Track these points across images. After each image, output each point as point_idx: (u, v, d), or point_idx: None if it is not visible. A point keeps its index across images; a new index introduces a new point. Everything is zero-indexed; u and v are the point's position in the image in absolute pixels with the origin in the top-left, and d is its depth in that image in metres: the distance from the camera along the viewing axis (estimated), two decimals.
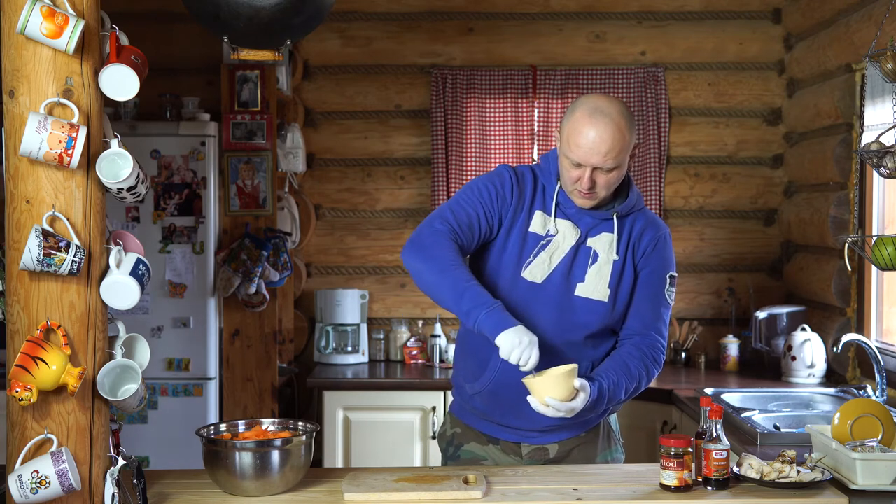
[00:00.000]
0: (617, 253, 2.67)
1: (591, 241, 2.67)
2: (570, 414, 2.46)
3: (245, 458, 2.37)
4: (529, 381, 2.45)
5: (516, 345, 2.40)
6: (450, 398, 2.95)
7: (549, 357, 2.60)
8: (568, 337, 2.64)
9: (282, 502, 2.39)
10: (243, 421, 2.62)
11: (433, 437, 4.43)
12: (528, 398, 2.46)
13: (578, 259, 2.65)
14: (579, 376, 2.49)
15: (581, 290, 2.65)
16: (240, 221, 4.59)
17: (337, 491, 2.45)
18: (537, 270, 2.64)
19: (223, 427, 2.60)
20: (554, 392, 2.42)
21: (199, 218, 4.53)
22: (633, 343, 2.67)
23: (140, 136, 4.48)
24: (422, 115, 5.10)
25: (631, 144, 2.59)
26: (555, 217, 2.66)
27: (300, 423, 2.57)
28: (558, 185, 2.67)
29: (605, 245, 2.67)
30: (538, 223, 2.66)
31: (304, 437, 2.45)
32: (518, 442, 2.76)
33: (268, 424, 2.59)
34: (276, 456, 2.38)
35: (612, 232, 2.67)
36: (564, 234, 2.66)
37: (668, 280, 2.71)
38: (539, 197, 2.69)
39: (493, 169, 2.78)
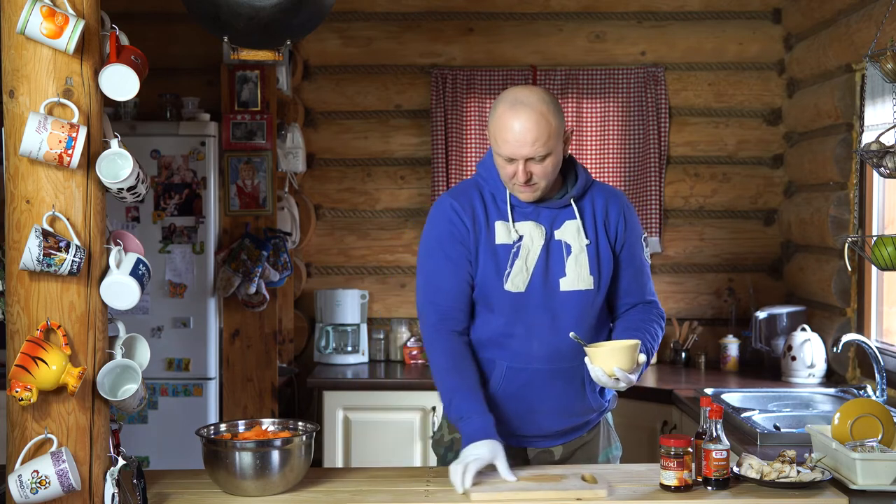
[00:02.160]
0: (587, 237, 2.65)
1: (558, 234, 2.65)
2: (629, 385, 2.49)
3: (245, 458, 2.37)
4: (594, 349, 2.47)
5: (455, 472, 2.42)
6: None
7: (556, 360, 2.61)
8: (565, 331, 2.62)
9: (281, 502, 2.39)
10: (243, 421, 2.63)
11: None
12: (590, 367, 2.47)
13: (553, 255, 2.63)
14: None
15: (565, 285, 2.63)
16: (240, 221, 4.59)
17: (337, 491, 2.45)
18: (518, 279, 2.62)
19: (223, 427, 2.60)
20: (621, 360, 2.46)
21: (199, 218, 4.53)
22: (639, 310, 2.72)
23: (140, 136, 4.48)
24: (422, 115, 5.10)
25: (559, 130, 2.56)
26: (513, 222, 2.64)
27: (300, 423, 2.57)
28: (508, 189, 2.65)
29: (573, 233, 2.64)
30: (502, 233, 2.64)
31: (303, 437, 2.45)
32: (523, 447, 2.76)
33: (268, 424, 2.59)
34: (275, 456, 2.38)
35: (575, 218, 2.65)
36: (531, 236, 2.63)
37: (643, 243, 2.75)
38: (493, 208, 2.66)
39: (432, 213, 2.73)
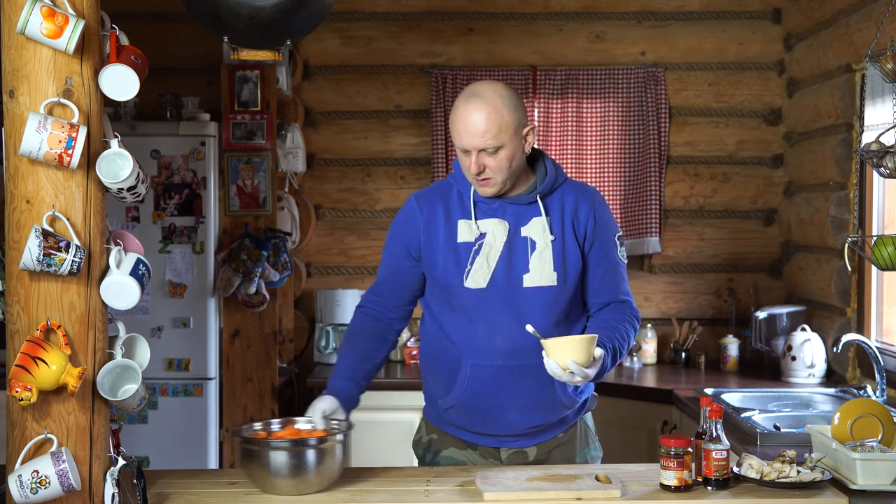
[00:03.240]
0: (552, 233, 2.65)
1: (524, 231, 2.65)
2: (585, 380, 2.46)
3: (280, 458, 2.37)
4: (549, 342, 2.44)
5: (311, 408, 2.60)
6: None
7: (521, 355, 2.61)
8: (526, 327, 2.61)
9: (280, 503, 2.39)
10: (277, 420, 2.61)
11: None
12: (546, 360, 2.44)
13: (516, 252, 2.63)
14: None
15: (529, 281, 2.63)
16: (240, 221, 4.59)
17: (337, 491, 2.45)
18: (478, 276, 2.63)
19: (257, 426, 2.59)
20: (576, 354, 2.42)
21: (199, 218, 4.53)
22: (612, 308, 2.69)
23: (140, 136, 4.48)
24: (422, 115, 5.10)
25: (514, 123, 2.56)
26: (476, 219, 2.65)
27: (334, 422, 2.56)
28: (473, 187, 2.67)
29: (538, 230, 2.65)
30: (465, 231, 2.66)
31: (339, 437, 2.45)
32: (497, 447, 2.75)
33: (302, 423, 2.58)
34: (311, 455, 2.38)
35: (541, 215, 2.65)
36: (494, 233, 2.64)
37: (617, 242, 2.72)
38: (455, 206, 2.69)
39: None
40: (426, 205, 2.71)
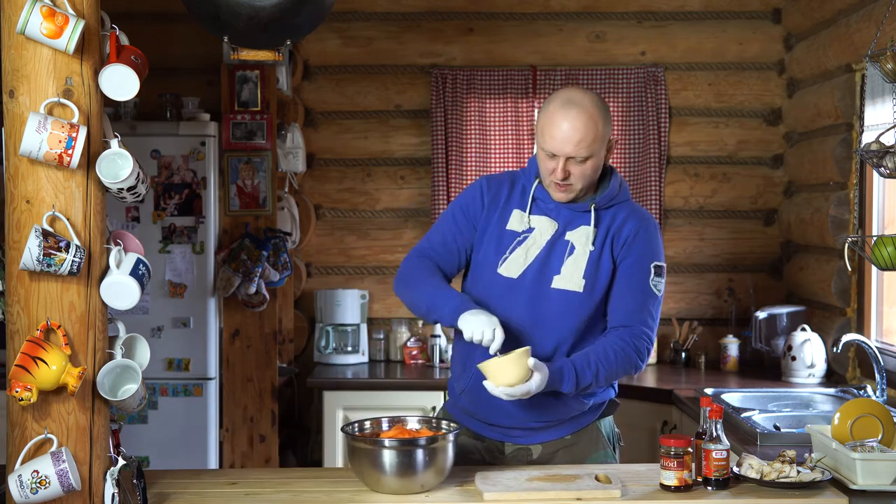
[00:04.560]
0: (593, 244, 2.68)
1: (568, 235, 2.69)
2: (526, 396, 2.48)
3: (390, 456, 2.37)
4: (483, 366, 2.48)
5: (476, 324, 2.49)
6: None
7: (537, 354, 2.59)
8: (546, 330, 2.63)
9: (280, 503, 2.39)
10: (386, 417, 2.61)
11: None
12: (485, 383, 2.48)
13: (555, 252, 2.67)
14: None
15: (557, 283, 2.66)
16: (240, 221, 4.59)
17: (337, 491, 2.45)
18: (513, 266, 2.67)
19: (367, 424, 2.58)
20: (507, 374, 2.44)
21: (199, 218, 4.53)
22: (618, 333, 2.67)
23: (140, 136, 4.48)
24: (422, 115, 5.10)
25: (605, 136, 2.62)
26: (529, 213, 2.70)
27: (444, 423, 2.56)
28: (536, 182, 2.72)
29: (582, 238, 2.68)
30: (516, 221, 2.71)
31: (449, 437, 2.44)
32: (502, 441, 2.75)
33: (412, 423, 2.58)
34: (420, 455, 2.38)
35: (590, 224, 2.68)
36: (541, 230, 2.69)
37: (653, 270, 2.70)
38: (517, 197, 2.74)
39: (468, 186, 2.87)
40: (494, 187, 2.76)
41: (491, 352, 2.48)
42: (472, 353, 2.66)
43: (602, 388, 2.71)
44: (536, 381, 2.47)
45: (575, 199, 2.69)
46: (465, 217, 2.75)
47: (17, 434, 2.18)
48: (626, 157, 5.00)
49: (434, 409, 4.45)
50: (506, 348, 2.51)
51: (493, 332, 2.48)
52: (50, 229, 2.13)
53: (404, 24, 5.09)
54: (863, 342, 3.50)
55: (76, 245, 2.13)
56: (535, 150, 2.75)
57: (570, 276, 2.65)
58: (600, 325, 2.72)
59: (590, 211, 2.69)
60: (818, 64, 4.49)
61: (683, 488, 2.41)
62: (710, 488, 2.43)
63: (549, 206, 2.70)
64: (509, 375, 2.44)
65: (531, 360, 2.46)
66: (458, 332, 2.72)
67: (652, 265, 2.70)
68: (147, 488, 2.32)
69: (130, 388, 2.24)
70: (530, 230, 2.69)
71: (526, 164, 2.81)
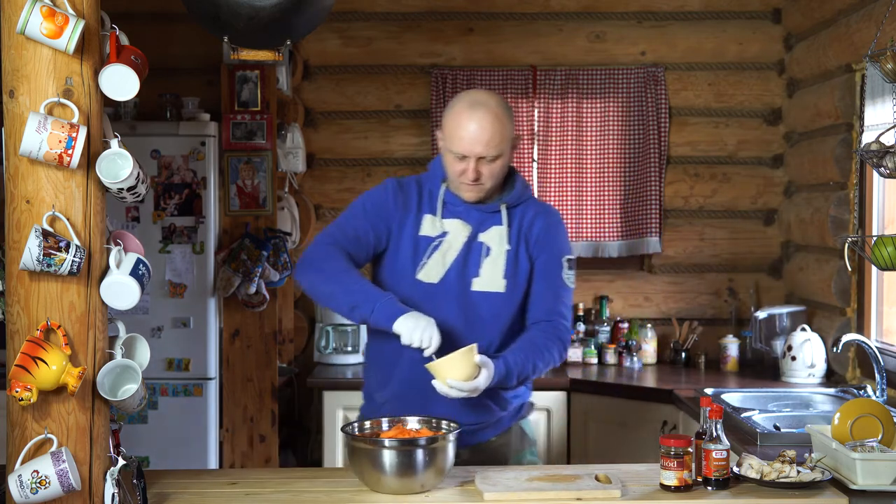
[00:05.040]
0: (509, 243, 2.72)
1: (482, 237, 2.72)
2: (475, 393, 2.51)
3: (390, 457, 2.37)
4: (432, 365, 2.49)
5: (414, 327, 2.49)
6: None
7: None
8: (476, 332, 2.65)
9: (284, 503, 2.39)
10: (387, 418, 2.60)
11: None
12: (433, 382, 2.50)
13: (471, 255, 2.71)
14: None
15: (477, 285, 2.70)
16: (240, 221, 4.59)
17: (337, 491, 2.45)
18: (432, 271, 2.69)
19: (367, 424, 2.58)
20: (456, 372, 2.47)
21: (199, 218, 4.53)
22: (540, 328, 2.72)
23: (140, 136, 4.48)
24: (422, 115, 5.10)
25: (511, 134, 2.68)
26: (441, 217, 2.72)
27: (444, 423, 2.55)
28: (444, 186, 2.74)
29: (496, 238, 2.72)
30: (428, 226, 2.72)
31: (449, 437, 2.44)
32: None
33: (412, 423, 2.58)
34: (420, 455, 2.38)
35: (502, 224, 2.72)
36: (455, 233, 2.71)
37: (565, 264, 2.77)
38: (426, 202, 2.75)
39: (374, 187, 2.85)
40: (404, 190, 2.77)
41: (426, 355, 2.50)
42: (397, 361, 2.68)
43: (530, 384, 2.77)
44: (484, 377, 2.51)
45: (484, 199, 2.72)
46: (378, 215, 2.73)
47: (17, 434, 2.18)
48: (626, 157, 5.00)
49: None
50: (438, 353, 2.53)
51: (431, 336, 2.49)
52: (50, 229, 2.13)
53: (404, 24, 5.09)
54: (863, 342, 3.50)
55: (76, 245, 2.13)
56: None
57: (491, 278, 2.70)
58: (520, 322, 2.77)
59: (500, 211, 2.73)
60: (818, 64, 4.49)
61: (683, 488, 2.41)
62: (710, 488, 2.43)
63: (459, 209, 2.73)
64: (459, 373, 2.47)
65: (478, 357, 2.50)
66: (375, 337, 2.74)
67: (564, 259, 2.77)
68: (147, 488, 2.32)
69: (130, 388, 2.24)
70: (444, 234, 2.71)
71: (431, 166, 2.81)
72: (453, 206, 2.74)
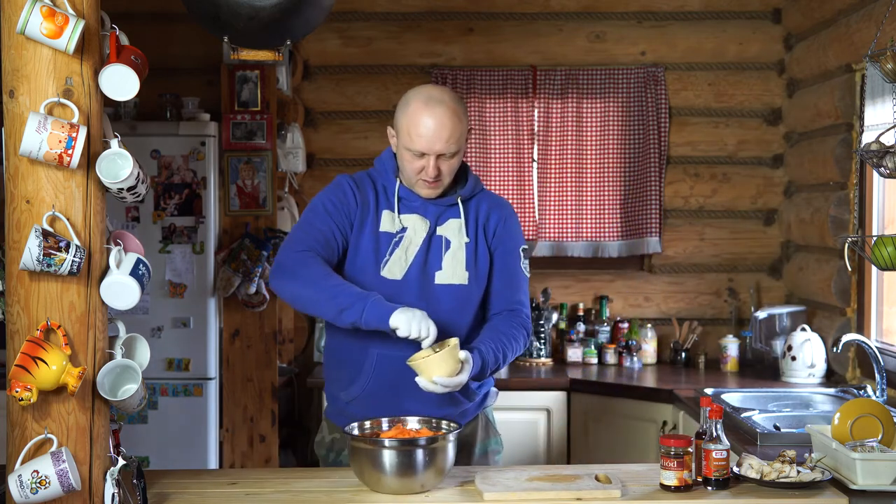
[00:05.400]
0: (468, 235, 2.74)
1: (440, 230, 2.74)
2: (459, 388, 2.52)
3: (390, 456, 2.37)
4: (415, 363, 2.49)
5: (411, 319, 2.48)
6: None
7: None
8: (441, 326, 2.62)
9: (280, 503, 2.39)
10: (387, 417, 2.60)
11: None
12: (417, 379, 2.50)
13: (433, 249, 2.72)
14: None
15: (440, 278, 2.71)
16: (240, 221, 4.59)
17: (337, 491, 2.45)
18: (395, 267, 2.69)
19: (368, 424, 2.58)
20: (441, 369, 2.48)
21: (199, 218, 4.53)
22: (502, 318, 2.74)
23: (140, 136, 4.48)
24: None
25: (467, 129, 2.69)
26: (398, 213, 2.73)
27: (444, 423, 2.56)
28: (398, 182, 2.74)
29: (454, 231, 2.74)
30: (387, 222, 2.73)
31: (449, 437, 2.44)
32: None
33: (412, 423, 2.58)
34: (420, 455, 2.38)
35: (459, 217, 2.75)
36: (415, 228, 2.72)
37: (522, 254, 2.81)
38: (382, 198, 2.76)
39: (328, 186, 2.83)
40: (360, 186, 2.77)
41: (425, 346, 2.50)
42: (363, 359, 2.68)
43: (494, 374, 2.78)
44: (466, 371, 2.52)
45: (441, 194, 2.74)
46: (340, 214, 2.72)
47: (17, 434, 2.18)
48: (626, 157, 5.00)
49: None
50: (408, 349, 2.54)
51: (429, 327, 2.49)
52: (50, 229, 2.13)
53: (404, 24, 5.09)
54: (863, 342, 3.50)
55: (76, 245, 2.13)
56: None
57: (453, 271, 2.72)
58: (482, 313, 2.79)
59: (456, 204, 2.75)
60: (818, 64, 4.49)
61: (683, 488, 2.41)
62: (710, 488, 2.43)
63: (415, 205, 2.74)
64: (445, 369, 2.48)
65: (462, 353, 2.51)
66: (335, 335, 2.73)
67: (520, 250, 2.81)
68: (147, 488, 2.32)
69: (130, 388, 2.24)
70: (403, 230, 2.72)
71: (382, 164, 2.80)
72: (409, 202, 2.74)
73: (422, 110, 2.62)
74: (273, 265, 2.68)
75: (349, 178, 2.79)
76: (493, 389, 2.92)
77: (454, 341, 2.51)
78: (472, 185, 2.79)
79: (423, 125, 2.61)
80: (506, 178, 4.97)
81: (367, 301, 2.53)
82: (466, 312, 2.74)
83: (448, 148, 2.63)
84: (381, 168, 2.80)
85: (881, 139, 2.98)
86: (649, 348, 4.83)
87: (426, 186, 2.69)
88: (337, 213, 2.72)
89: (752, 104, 5.05)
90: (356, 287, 2.59)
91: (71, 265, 2.12)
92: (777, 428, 3.29)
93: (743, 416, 3.35)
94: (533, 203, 4.99)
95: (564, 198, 5.00)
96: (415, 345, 2.53)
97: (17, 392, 2.07)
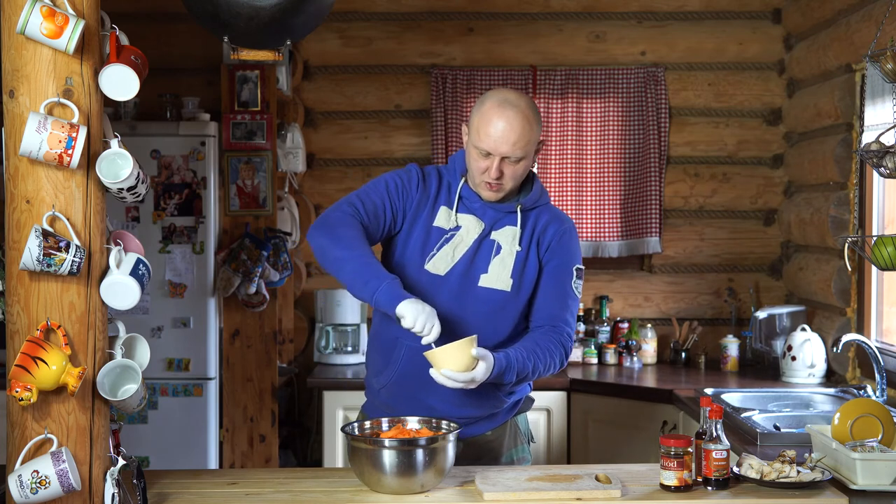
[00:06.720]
0: (520, 244, 2.72)
1: (494, 234, 2.72)
2: (471, 385, 2.49)
3: (390, 456, 2.37)
4: (429, 354, 2.48)
5: (419, 312, 2.47)
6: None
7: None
8: (474, 328, 2.63)
9: (281, 503, 2.39)
10: (387, 417, 2.60)
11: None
12: (430, 371, 2.49)
13: (482, 252, 2.71)
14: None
15: (484, 281, 2.69)
16: (240, 221, 4.59)
17: (337, 491, 2.45)
18: (440, 263, 2.69)
19: (367, 424, 2.58)
20: (452, 362, 2.46)
21: (199, 218, 4.53)
22: (543, 332, 2.71)
23: (140, 136, 4.48)
24: (422, 115, 5.10)
25: (537, 138, 2.67)
26: (457, 211, 2.73)
27: (444, 423, 2.55)
28: (462, 181, 2.74)
29: (508, 237, 2.72)
30: (443, 218, 2.73)
31: (449, 437, 2.43)
32: None
33: (412, 423, 2.57)
34: (420, 455, 2.38)
35: (516, 225, 2.73)
36: (468, 228, 2.71)
37: (575, 273, 2.76)
38: (444, 193, 2.76)
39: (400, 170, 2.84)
40: (427, 178, 2.77)
41: (425, 343, 2.49)
42: (394, 347, 2.69)
43: (530, 381, 2.76)
44: (482, 370, 2.49)
45: (501, 199, 2.72)
46: (399, 197, 2.73)
47: (17, 434, 2.18)
48: (626, 157, 5.00)
49: None
50: (437, 343, 2.52)
51: (433, 325, 2.48)
52: (50, 229, 2.13)
53: (404, 24, 5.09)
54: (863, 342, 3.50)
55: (76, 245, 2.13)
56: (465, 148, 2.74)
57: (498, 276, 2.70)
58: (523, 324, 2.77)
59: (515, 212, 2.73)
60: (818, 64, 4.49)
61: (683, 488, 2.41)
62: (710, 488, 2.43)
63: (474, 205, 2.73)
64: (455, 363, 2.46)
65: (476, 350, 2.49)
66: (378, 318, 2.73)
67: (574, 268, 2.76)
68: (147, 488, 2.32)
69: (130, 388, 2.24)
70: (457, 228, 2.71)
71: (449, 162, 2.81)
72: (469, 202, 2.73)
73: (494, 110, 2.62)
74: (318, 217, 2.70)
75: (419, 168, 2.79)
76: (529, 397, 2.88)
77: (471, 337, 2.49)
78: (536, 195, 2.76)
79: (493, 125, 2.60)
80: None
81: (383, 281, 2.52)
82: (503, 319, 2.71)
83: (514, 152, 2.61)
84: (451, 165, 2.80)
85: (881, 139, 2.99)
86: (649, 348, 4.83)
87: (488, 188, 2.68)
88: (396, 193, 2.73)
89: (752, 104, 5.05)
90: (381, 266, 2.58)
91: (71, 265, 2.12)
92: (777, 428, 3.29)
93: (743, 416, 3.35)
94: None
95: (564, 198, 5.00)
96: (440, 343, 2.52)
97: (17, 392, 2.07)
